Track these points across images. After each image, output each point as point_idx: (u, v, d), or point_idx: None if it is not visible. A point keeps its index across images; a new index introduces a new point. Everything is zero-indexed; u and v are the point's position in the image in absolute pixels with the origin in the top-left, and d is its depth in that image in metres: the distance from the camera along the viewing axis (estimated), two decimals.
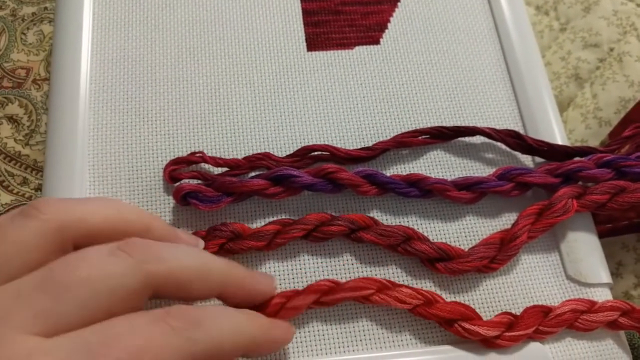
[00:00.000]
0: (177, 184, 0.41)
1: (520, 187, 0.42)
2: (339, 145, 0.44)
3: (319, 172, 0.41)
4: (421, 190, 0.42)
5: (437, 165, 0.45)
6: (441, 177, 0.43)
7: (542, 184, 0.42)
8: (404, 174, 0.43)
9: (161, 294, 0.29)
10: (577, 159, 0.43)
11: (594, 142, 0.50)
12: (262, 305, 0.36)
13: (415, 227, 0.42)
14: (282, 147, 0.44)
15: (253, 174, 0.42)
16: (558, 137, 0.45)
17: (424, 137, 0.44)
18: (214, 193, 0.40)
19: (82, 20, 0.46)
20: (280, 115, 0.45)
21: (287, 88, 0.46)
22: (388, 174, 0.43)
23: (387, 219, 0.42)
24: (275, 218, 0.42)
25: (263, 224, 0.41)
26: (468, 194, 0.42)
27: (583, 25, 0.56)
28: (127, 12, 0.48)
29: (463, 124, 0.46)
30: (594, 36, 0.55)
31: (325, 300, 0.38)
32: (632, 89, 0.52)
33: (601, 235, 0.44)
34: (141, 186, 0.42)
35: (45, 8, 0.51)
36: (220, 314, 0.30)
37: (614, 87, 0.52)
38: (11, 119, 0.47)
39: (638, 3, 0.55)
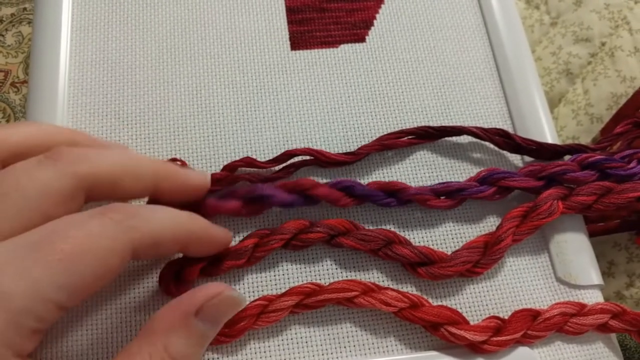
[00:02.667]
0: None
1: (502, 191, 0.40)
2: (324, 147, 0.42)
3: (295, 187, 0.38)
4: (400, 201, 0.39)
5: (423, 166, 0.42)
6: (421, 186, 0.40)
7: (525, 188, 0.40)
8: (389, 176, 0.42)
9: (95, 195, 0.30)
10: (560, 160, 0.41)
11: (585, 139, 0.48)
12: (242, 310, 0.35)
13: (398, 232, 0.39)
14: (266, 149, 0.42)
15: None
16: (548, 135, 0.43)
17: (409, 137, 0.42)
18: None
19: (61, 21, 0.44)
20: (264, 116, 0.43)
21: (270, 88, 0.44)
22: (372, 177, 0.41)
23: (368, 224, 0.40)
24: (250, 228, 0.39)
25: (238, 234, 0.39)
26: (448, 201, 0.40)
27: (574, 19, 0.54)
28: (106, 13, 0.45)
29: (451, 123, 0.44)
30: (585, 30, 0.53)
31: (308, 302, 0.36)
32: (624, 84, 0.50)
33: (593, 234, 0.42)
34: None
35: (25, 9, 0.49)
36: (159, 208, 0.30)
37: (606, 82, 0.50)
38: None
39: None
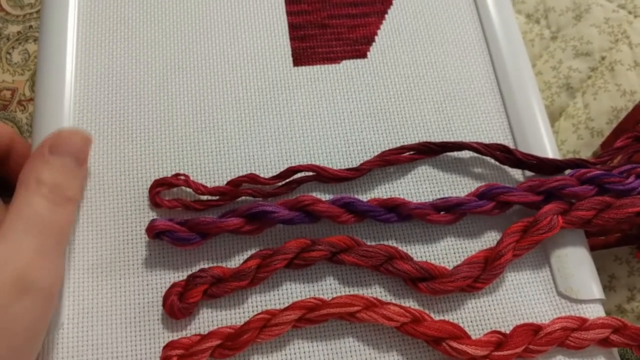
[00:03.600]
0: (152, 220, 0.38)
1: (501, 206, 0.39)
2: (326, 162, 0.42)
3: (296, 204, 0.38)
4: (401, 216, 0.39)
5: (425, 181, 0.42)
6: (421, 201, 0.40)
7: (524, 203, 0.39)
8: (391, 191, 0.41)
9: None
10: (559, 176, 0.40)
11: (586, 153, 0.48)
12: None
13: (399, 247, 0.39)
14: (269, 164, 0.42)
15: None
16: (549, 149, 0.42)
17: (411, 153, 0.41)
18: (187, 233, 0.37)
19: (66, 38, 0.43)
20: (267, 132, 0.43)
21: (273, 104, 0.43)
22: (374, 192, 0.41)
23: (369, 240, 0.40)
24: (252, 248, 0.39)
25: (241, 254, 0.39)
26: (448, 216, 0.39)
27: (574, 33, 0.53)
28: (111, 30, 0.45)
29: (452, 137, 0.43)
30: (585, 45, 0.52)
31: (311, 317, 0.36)
32: (624, 98, 0.49)
33: (593, 248, 0.41)
34: (125, 206, 0.40)
35: (30, 26, 0.49)
36: None
37: (606, 96, 0.50)
38: None
39: (630, 10, 0.53)
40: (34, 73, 0.44)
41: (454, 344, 0.35)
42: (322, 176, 0.40)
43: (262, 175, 0.41)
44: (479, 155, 0.42)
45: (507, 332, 0.37)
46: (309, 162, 0.42)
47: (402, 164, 0.42)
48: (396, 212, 0.39)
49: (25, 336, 0.32)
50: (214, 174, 0.41)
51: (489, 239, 0.40)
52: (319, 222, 0.39)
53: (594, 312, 0.38)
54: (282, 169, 0.41)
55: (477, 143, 0.41)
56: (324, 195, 0.41)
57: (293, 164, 0.41)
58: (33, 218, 0.33)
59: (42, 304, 0.33)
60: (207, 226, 0.37)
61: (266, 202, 0.38)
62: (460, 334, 0.36)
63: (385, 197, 0.40)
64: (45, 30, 0.43)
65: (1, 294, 0.30)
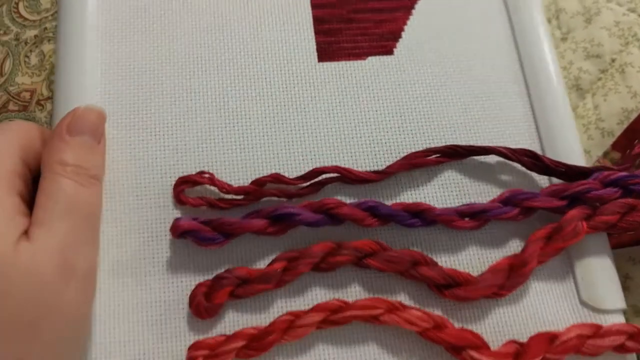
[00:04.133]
0: (176, 219, 0.37)
1: (526, 212, 0.39)
2: (351, 161, 0.41)
3: (320, 207, 0.37)
4: (425, 221, 0.38)
5: (450, 185, 0.41)
6: (446, 207, 0.39)
7: (549, 208, 0.39)
8: (416, 194, 0.40)
9: None
10: (583, 180, 0.40)
11: (596, 152, 0.48)
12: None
13: (423, 252, 0.38)
14: (293, 163, 0.40)
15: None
16: (576, 155, 0.42)
17: (436, 156, 0.41)
18: (212, 233, 0.36)
19: (85, 34, 0.41)
20: (291, 130, 0.41)
21: (297, 101, 0.42)
22: (399, 195, 0.40)
23: (393, 244, 0.39)
24: (275, 248, 0.38)
25: (264, 254, 0.38)
26: (473, 222, 0.38)
27: (585, 35, 0.53)
28: (132, 24, 0.43)
29: (478, 140, 0.42)
30: (595, 47, 0.52)
31: (334, 318, 0.35)
32: (634, 99, 0.49)
33: None
34: (149, 203, 0.38)
35: (45, 28, 0.48)
36: None
37: (616, 97, 0.50)
38: None
39: None
40: (50, 72, 0.44)
41: (474, 354, 0.35)
42: (347, 178, 0.39)
43: (286, 173, 0.40)
44: (506, 160, 0.41)
45: (526, 340, 0.36)
46: (334, 161, 0.41)
47: (427, 167, 0.41)
48: (420, 217, 0.38)
49: (74, 327, 0.33)
50: (238, 171, 0.40)
51: (513, 244, 0.40)
52: (342, 225, 0.38)
53: (616, 321, 0.38)
54: (306, 167, 0.40)
55: (504, 148, 0.40)
56: (348, 198, 0.40)
57: (317, 163, 0.40)
58: (64, 200, 0.33)
59: (84, 290, 0.34)
60: (232, 226, 0.36)
61: (290, 204, 0.38)
62: (479, 344, 0.35)
63: (410, 202, 0.39)
64: (64, 24, 0.42)
65: (54, 280, 0.31)
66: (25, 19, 0.48)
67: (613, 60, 0.51)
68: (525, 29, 0.46)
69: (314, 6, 0.45)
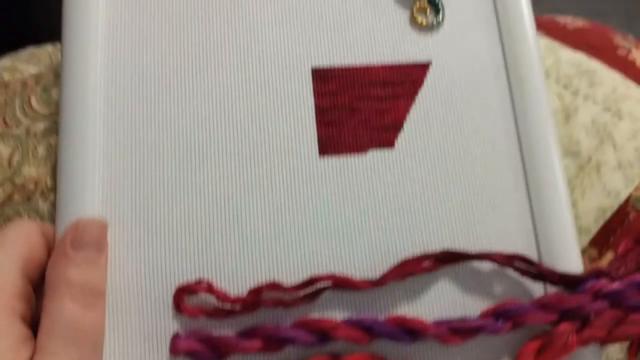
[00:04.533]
0: (175, 337, 0.38)
1: (518, 324, 0.40)
2: (348, 262, 0.41)
3: (316, 328, 0.38)
4: (419, 338, 0.39)
5: (445, 292, 0.41)
6: (440, 321, 0.39)
7: (540, 322, 0.40)
8: (411, 301, 0.41)
9: None
10: (575, 294, 0.40)
11: None
12: None
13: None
14: (292, 264, 0.41)
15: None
16: (573, 259, 0.42)
17: (431, 262, 0.41)
18: (209, 353, 0.37)
19: (87, 134, 0.42)
20: (291, 229, 0.41)
21: (297, 199, 0.42)
22: (394, 303, 0.41)
23: (387, 355, 0.40)
24: None
25: None
26: (465, 337, 0.39)
27: (563, 133, 0.55)
28: (137, 112, 0.43)
29: (475, 240, 0.43)
30: (574, 144, 0.54)
31: None
32: (609, 198, 0.51)
33: None
34: (150, 309, 0.39)
35: (55, 121, 0.49)
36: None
37: (593, 195, 0.52)
38: None
39: (614, 113, 0.55)
40: (56, 162, 0.44)
41: None
42: (344, 287, 0.40)
43: (285, 274, 0.40)
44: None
45: None
46: (332, 262, 0.41)
47: (423, 273, 0.41)
48: (414, 335, 0.39)
49: None
50: (236, 276, 0.40)
51: (504, 354, 0.41)
52: None
53: None
54: (305, 267, 0.40)
55: (499, 255, 0.41)
56: (344, 305, 0.40)
57: (316, 263, 0.41)
58: (69, 327, 0.33)
59: None
60: (227, 347, 0.37)
61: (287, 326, 0.38)
62: None
63: (404, 316, 0.39)
64: (66, 119, 0.42)
65: None
66: (37, 112, 0.48)
67: (590, 158, 0.53)
68: (530, 122, 0.45)
69: (317, 94, 0.45)
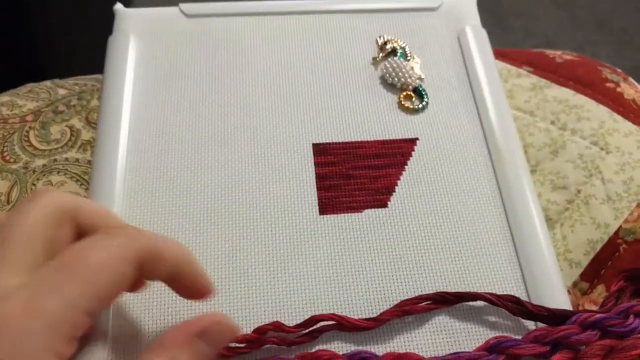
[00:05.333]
0: None
1: (510, 358, 0.41)
2: (347, 308, 0.43)
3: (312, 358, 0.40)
4: None
5: (441, 331, 0.43)
6: (435, 357, 0.41)
7: (533, 355, 0.41)
8: (408, 340, 0.43)
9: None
10: (564, 325, 0.42)
11: (566, 283, 0.51)
12: None
13: None
14: (294, 310, 0.43)
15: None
16: (560, 299, 0.45)
17: (427, 303, 0.43)
18: None
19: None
20: (293, 279, 0.44)
21: (300, 251, 0.45)
22: (391, 341, 0.42)
23: None
24: None
25: None
26: None
27: (551, 168, 0.56)
28: (153, 179, 0.48)
29: (467, 286, 0.45)
30: (561, 179, 0.55)
31: None
32: (599, 230, 0.52)
33: None
34: None
35: (55, 160, 0.50)
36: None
37: (582, 229, 0.53)
38: None
39: (602, 147, 0.56)
40: None
41: None
42: (344, 326, 0.41)
43: (287, 318, 0.42)
44: (492, 306, 0.44)
45: None
46: (332, 307, 0.43)
47: (419, 313, 0.43)
48: None
49: None
50: (241, 319, 0.42)
51: None
52: None
53: None
54: (305, 312, 0.42)
55: (490, 294, 0.43)
56: (344, 343, 0.42)
57: (316, 309, 0.43)
58: None
59: None
60: None
61: (288, 358, 0.39)
62: None
63: (401, 352, 0.40)
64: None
65: None
66: (35, 147, 0.50)
67: (578, 192, 0.54)
68: (510, 183, 0.50)
69: (317, 164, 0.50)
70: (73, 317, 0.29)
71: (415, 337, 0.43)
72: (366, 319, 0.42)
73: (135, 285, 0.37)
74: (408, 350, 0.42)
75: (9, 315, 0.27)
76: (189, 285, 0.37)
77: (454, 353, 0.41)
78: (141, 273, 0.32)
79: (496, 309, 0.44)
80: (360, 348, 0.42)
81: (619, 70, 0.65)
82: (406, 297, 0.44)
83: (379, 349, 0.42)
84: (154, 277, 0.35)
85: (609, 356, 0.40)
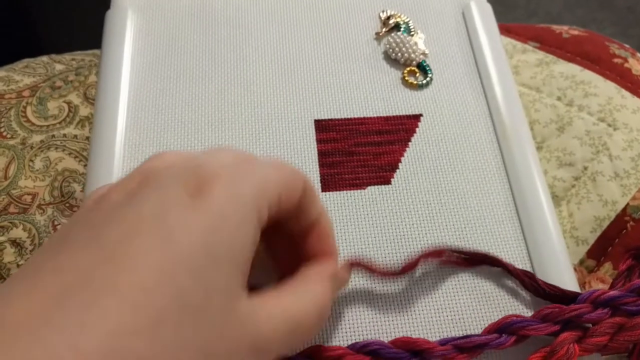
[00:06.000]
0: None
1: (521, 338, 0.40)
2: (349, 287, 0.43)
3: (321, 356, 0.38)
4: (424, 359, 0.39)
5: (446, 308, 0.43)
6: (444, 339, 0.40)
7: (542, 334, 0.40)
8: (412, 327, 0.42)
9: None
10: (575, 304, 0.41)
11: (572, 261, 0.50)
12: None
13: None
14: None
15: None
16: (567, 279, 0.44)
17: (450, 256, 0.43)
18: None
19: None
20: None
21: None
22: (393, 327, 0.42)
23: None
24: None
25: None
26: (470, 355, 0.40)
27: (557, 144, 0.55)
28: (152, 153, 0.47)
29: None
30: (568, 155, 0.55)
31: None
32: (605, 208, 0.51)
33: None
34: None
35: (53, 136, 0.49)
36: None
37: (589, 206, 0.52)
38: (14, 243, 0.44)
39: (609, 123, 0.55)
40: (54, 179, 0.44)
41: None
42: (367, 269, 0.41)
43: None
44: (498, 280, 0.43)
45: None
46: None
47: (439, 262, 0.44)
48: (421, 356, 0.39)
49: None
50: None
51: None
52: None
53: None
54: None
55: (509, 264, 0.43)
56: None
57: None
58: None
59: None
60: None
61: (293, 356, 0.38)
62: None
63: (410, 338, 0.40)
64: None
65: None
66: (33, 123, 0.50)
67: (585, 169, 0.53)
68: (515, 160, 0.49)
69: (319, 141, 0.49)
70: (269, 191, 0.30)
71: (421, 319, 0.42)
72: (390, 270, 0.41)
73: None
74: (413, 333, 0.42)
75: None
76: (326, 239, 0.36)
77: (465, 336, 0.40)
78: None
79: (501, 289, 0.44)
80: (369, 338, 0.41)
81: (627, 45, 0.64)
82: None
83: (385, 333, 0.41)
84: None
85: (618, 334, 0.40)
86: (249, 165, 0.30)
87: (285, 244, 0.36)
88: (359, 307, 0.42)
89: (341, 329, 0.41)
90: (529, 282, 0.42)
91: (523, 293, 0.44)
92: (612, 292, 0.41)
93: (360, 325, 0.42)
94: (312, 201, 0.34)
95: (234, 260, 0.27)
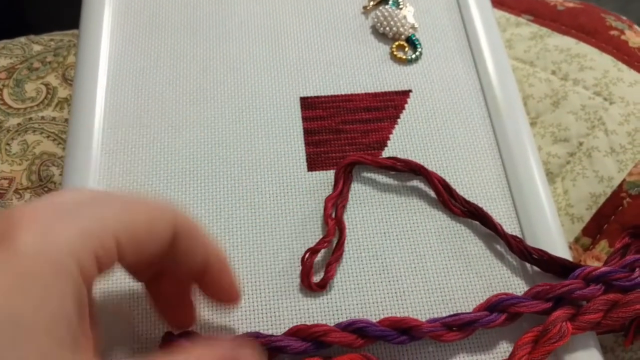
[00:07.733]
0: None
1: (512, 317, 0.40)
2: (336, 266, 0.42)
3: (309, 335, 0.38)
4: (413, 337, 0.39)
5: (436, 289, 0.43)
6: (433, 319, 0.39)
7: (535, 312, 0.40)
8: (401, 307, 0.42)
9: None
10: (566, 280, 0.41)
11: (568, 239, 0.49)
12: None
13: None
14: (281, 270, 0.42)
15: None
16: (562, 254, 0.43)
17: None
18: None
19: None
20: (279, 238, 0.43)
21: (287, 210, 0.44)
22: (381, 307, 0.41)
23: (381, 356, 0.40)
24: None
25: None
26: (461, 334, 0.39)
27: (552, 120, 0.55)
28: (132, 134, 0.47)
29: (464, 243, 0.44)
30: (563, 131, 0.54)
31: None
32: (602, 184, 0.51)
33: None
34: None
35: (30, 119, 0.48)
36: None
37: (584, 182, 0.51)
38: None
39: (605, 97, 0.55)
40: (32, 163, 0.43)
41: None
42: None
43: (272, 279, 0.42)
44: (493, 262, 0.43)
45: None
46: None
47: None
48: (409, 334, 0.39)
49: None
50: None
51: (501, 350, 0.40)
52: None
53: None
54: (293, 274, 0.42)
55: (498, 224, 0.43)
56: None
57: None
58: None
59: None
60: None
61: (279, 336, 0.38)
62: None
63: (398, 317, 0.39)
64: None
65: None
66: (10, 106, 0.49)
67: (580, 144, 0.53)
68: (508, 136, 0.48)
69: (305, 119, 0.48)
70: (103, 236, 0.26)
71: (408, 298, 0.42)
72: None
73: None
74: (403, 313, 0.41)
75: None
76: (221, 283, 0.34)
77: (454, 314, 0.39)
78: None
79: (491, 267, 0.44)
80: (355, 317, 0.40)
81: (624, 17, 0.63)
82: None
83: (373, 313, 0.41)
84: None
85: (611, 311, 0.39)
86: (78, 207, 0.26)
87: (181, 289, 0.35)
88: (346, 290, 0.42)
89: (329, 311, 0.41)
90: (515, 245, 0.42)
91: (518, 276, 0.43)
92: (604, 268, 0.40)
93: (347, 307, 0.41)
94: (195, 243, 0.31)
95: (45, 325, 0.22)
